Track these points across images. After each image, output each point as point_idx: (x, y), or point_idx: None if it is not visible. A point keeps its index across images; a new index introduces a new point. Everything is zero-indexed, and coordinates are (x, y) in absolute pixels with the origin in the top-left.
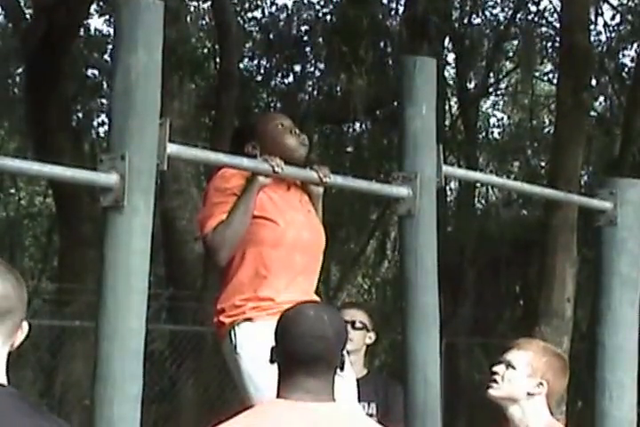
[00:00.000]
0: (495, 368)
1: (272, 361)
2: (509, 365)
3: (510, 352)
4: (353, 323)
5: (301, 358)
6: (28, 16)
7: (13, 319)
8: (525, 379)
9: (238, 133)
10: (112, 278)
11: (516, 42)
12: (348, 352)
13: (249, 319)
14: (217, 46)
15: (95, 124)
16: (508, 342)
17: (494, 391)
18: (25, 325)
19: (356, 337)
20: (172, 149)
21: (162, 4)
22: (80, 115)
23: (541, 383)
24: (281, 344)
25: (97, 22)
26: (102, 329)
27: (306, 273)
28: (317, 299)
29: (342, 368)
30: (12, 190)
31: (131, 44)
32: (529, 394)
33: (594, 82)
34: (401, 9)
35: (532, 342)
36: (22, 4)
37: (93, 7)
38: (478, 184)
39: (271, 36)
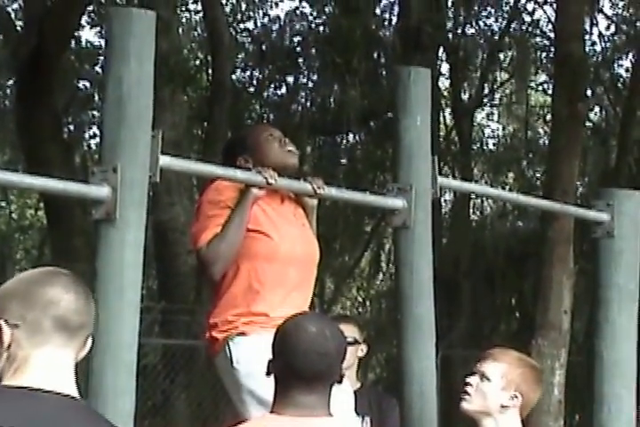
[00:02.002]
0: (469, 379)
1: (268, 374)
2: (483, 376)
3: (485, 363)
4: None
5: (302, 374)
6: (18, 28)
7: (84, 334)
8: (499, 391)
9: (229, 147)
10: (104, 292)
11: (510, 52)
12: None
13: (242, 333)
14: (209, 57)
15: (86, 136)
16: (484, 353)
17: (467, 405)
18: (89, 339)
19: (348, 353)
20: (164, 160)
21: (153, 14)
22: (71, 127)
23: (515, 396)
24: (280, 359)
25: (88, 34)
26: (94, 343)
27: (300, 288)
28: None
29: (341, 382)
30: (3, 203)
31: (122, 55)
32: (503, 407)
33: (589, 92)
34: (394, 19)
35: (506, 352)
36: (13, 15)
37: (84, 19)
38: (473, 196)
39: (264, 48)
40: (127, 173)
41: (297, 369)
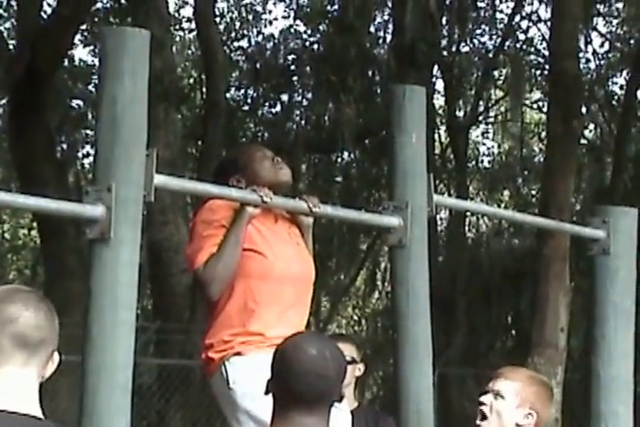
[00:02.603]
0: (483, 398)
1: (267, 393)
2: (498, 395)
3: (497, 382)
4: None
5: (302, 397)
6: (11, 46)
7: (46, 350)
8: (514, 410)
9: (221, 168)
10: (99, 311)
11: (504, 70)
12: None
13: (238, 353)
14: (203, 76)
15: (80, 155)
16: (496, 372)
17: (485, 425)
18: (56, 355)
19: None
20: (159, 179)
21: (147, 33)
22: (64, 146)
23: (530, 414)
24: (280, 380)
25: (81, 53)
26: (88, 363)
27: (296, 307)
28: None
29: (340, 401)
30: None
31: (116, 74)
32: (518, 425)
33: (584, 110)
34: (389, 37)
35: (518, 370)
36: (5, 34)
37: (78, 37)
38: (469, 213)
39: (258, 66)
40: (121, 192)
41: (297, 392)
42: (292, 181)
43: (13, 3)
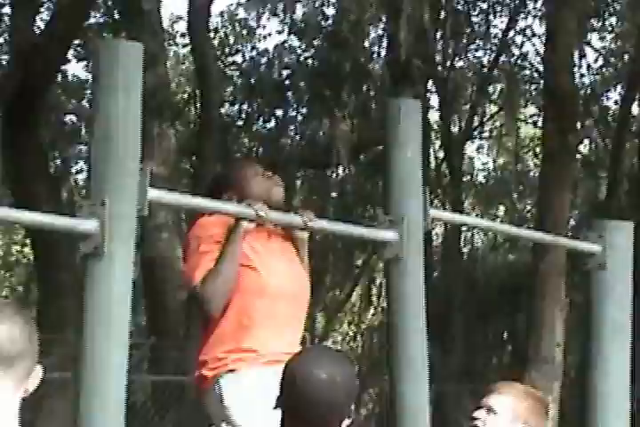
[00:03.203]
0: (476, 414)
1: (276, 407)
2: (490, 410)
3: (491, 397)
4: None
5: (311, 421)
6: (4, 62)
7: (24, 364)
8: (508, 424)
9: (213, 185)
10: (91, 328)
11: (499, 85)
12: None
13: (232, 371)
14: (197, 91)
15: (73, 170)
16: (489, 387)
17: None
18: (38, 368)
19: None
20: (152, 194)
21: (141, 46)
22: (58, 161)
23: None
24: (289, 403)
25: (75, 68)
26: (82, 380)
27: (291, 323)
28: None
29: (350, 418)
30: None
31: (109, 88)
32: None
33: (578, 125)
34: (383, 52)
35: (512, 385)
36: None
37: (71, 52)
38: (464, 229)
39: (252, 81)
40: (115, 206)
41: (307, 417)
42: (284, 199)
43: (6, 18)
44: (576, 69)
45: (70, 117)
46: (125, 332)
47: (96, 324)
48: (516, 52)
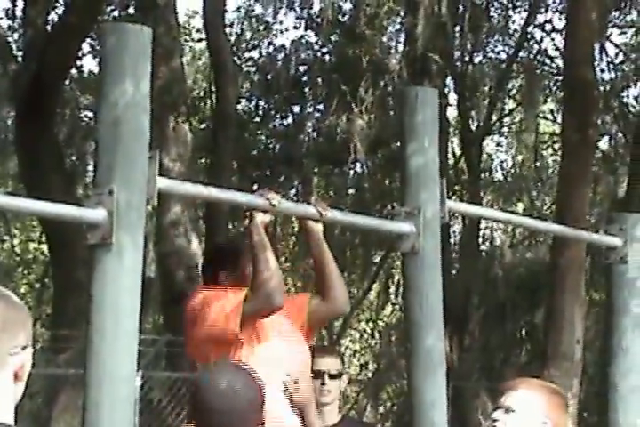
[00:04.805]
0: (494, 415)
1: (189, 421)
2: (508, 409)
3: (508, 395)
4: (329, 373)
5: None
6: (19, 58)
7: (7, 344)
8: (527, 421)
9: (209, 263)
10: (100, 319)
11: (518, 80)
12: (326, 404)
13: None
14: (213, 87)
15: (89, 167)
16: (504, 385)
17: None
18: (28, 351)
19: (333, 388)
20: (162, 183)
21: (149, 30)
22: (73, 157)
23: (545, 422)
24: (194, 414)
25: (90, 63)
26: (90, 374)
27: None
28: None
29: (261, 424)
30: (6, 237)
31: (117, 73)
32: None
33: (598, 120)
34: (400, 47)
35: (527, 380)
36: (12, 44)
37: (87, 48)
38: (482, 226)
39: (269, 77)
40: (123, 195)
41: (212, 426)
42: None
43: (20, 13)
44: (596, 64)
45: (86, 113)
46: (135, 324)
47: (104, 316)
48: (536, 47)
